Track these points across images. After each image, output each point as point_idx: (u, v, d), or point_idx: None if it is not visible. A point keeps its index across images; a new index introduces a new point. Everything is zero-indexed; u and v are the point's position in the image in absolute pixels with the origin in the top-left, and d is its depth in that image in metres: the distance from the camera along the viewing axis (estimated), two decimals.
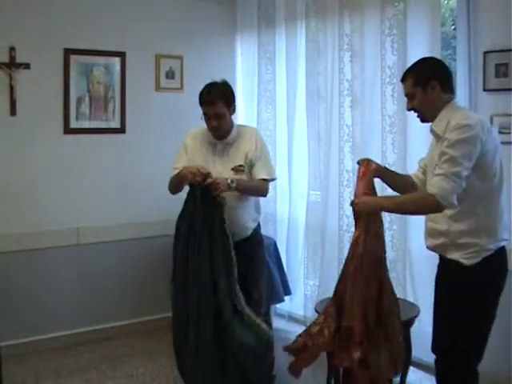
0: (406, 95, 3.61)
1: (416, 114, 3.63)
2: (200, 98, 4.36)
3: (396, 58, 4.96)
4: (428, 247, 3.66)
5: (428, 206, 3.35)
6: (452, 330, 3.49)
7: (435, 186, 3.29)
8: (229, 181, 4.19)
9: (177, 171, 4.36)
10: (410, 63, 4.48)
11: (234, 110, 4.45)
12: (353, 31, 5.35)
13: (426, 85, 3.48)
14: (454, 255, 3.46)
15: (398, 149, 5.00)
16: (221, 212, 4.12)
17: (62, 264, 5.75)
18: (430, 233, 3.61)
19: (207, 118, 4.33)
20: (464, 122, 3.30)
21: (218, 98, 4.30)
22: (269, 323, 4.66)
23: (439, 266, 3.67)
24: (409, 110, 3.64)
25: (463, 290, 3.43)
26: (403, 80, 3.62)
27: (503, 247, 3.48)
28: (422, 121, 3.63)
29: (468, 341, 3.46)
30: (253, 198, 4.50)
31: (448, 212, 3.41)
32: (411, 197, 3.57)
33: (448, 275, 3.57)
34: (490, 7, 4.55)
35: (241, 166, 4.34)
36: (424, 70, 3.55)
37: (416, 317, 4.31)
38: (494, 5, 4.54)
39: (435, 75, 3.50)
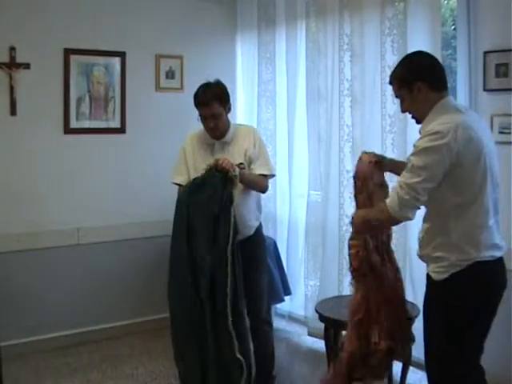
0: (396, 97, 3.48)
1: (411, 116, 3.47)
2: (195, 100, 4.37)
3: (396, 57, 4.95)
4: (417, 255, 3.51)
5: (382, 218, 3.34)
6: (429, 343, 3.41)
7: (390, 196, 3.28)
8: (235, 172, 4.17)
9: (176, 181, 4.43)
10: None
11: (229, 109, 4.46)
12: (353, 31, 5.35)
13: (412, 87, 3.30)
14: (428, 268, 3.37)
15: (397, 149, 5.00)
16: (231, 192, 4.10)
17: (62, 264, 5.75)
18: (419, 241, 3.48)
19: (204, 119, 4.34)
20: (435, 129, 3.12)
21: (212, 99, 4.31)
22: (270, 323, 4.67)
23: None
24: (403, 111, 3.50)
25: (432, 303, 3.37)
26: (390, 82, 3.48)
27: (481, 262, 3.20)
28: (418, 122, 3.43)
29: (441, 353, 3.33)
30: (255, 196, 4.50)
31: (425, 225, 3.34)
32: (371, 212, 3.54)
33: (426, 287, 3.47)
34: (490, 7, 4.55)
35: (241, 163, 4.34)
36: (408, 72, 3.36)
37: (416, 317, 4.30)
38: (494, 5, 4.53)
39: (420, 76, 3.29)
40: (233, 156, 4.36)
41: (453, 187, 3.16)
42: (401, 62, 3.51)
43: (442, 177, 3.13)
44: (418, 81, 3.29)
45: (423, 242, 3.38)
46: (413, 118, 3.45)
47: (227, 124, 4.43)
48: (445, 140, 3.07)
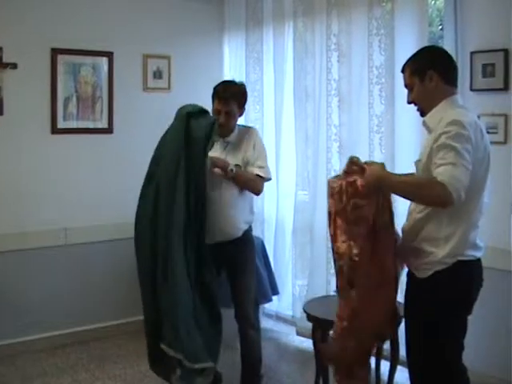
0: (406, 86, 3.43)
1: (416, 108, 3.42)
2: (214, 93, 4.41)
3: (383, 58, 4.98)
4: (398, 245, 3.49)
5: (435, 196, 3.01)
6: (411, 340, 3.44)
7: (445, 174, 2.96)
8: (231, 167, 4.27)
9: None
10: (397, 63, 4.50)
11: (242, 113, 4.53)
12: (340, 31, 5.36)
13: (424, 75, 3.28)
14: (411, 265, 3.38)
15: (385, 148, 5.02)
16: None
17: (49, 264, 5.73)
18: (403, 231, 3.46)
19: (216, 113, 4.37)
20: (460, 119, 3.08)
21: (232, 97, 4.36)
22: (257, 328, 4.66)
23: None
24: (409, 103, 3.43)
25: (414, 301, 3.39)
26: (403, 70, 3.44)
27: (463, 262, 3.21)
28: (422, 114, 3.39)
29: (422, 351, 3.33)
30: (248, 199, 4.52)
31: (417, 215, 3.29)
32: (418, 180, 3.25)
33: (408, 285, 3.48)
34: (477, 8, 4.57)
35: (237, 165, 4.35)
36: (422, 60, 3.36)
37: (404, 316, 4.30)
38: (481, 5, 4.56)
39: (433, 65, 3.29)
40: (232, 157, 4.38)
41: None
42: (417, 51, 3.51)
43: None
44: (431, 69, 3.28)
45: (410, 232, 3.35)
46: (418, 110, 3.41)
47: (235, 124, 4.48)
48: (469, 132, 3.07)
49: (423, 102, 3.35)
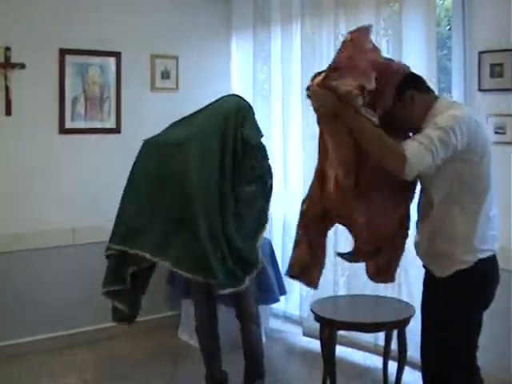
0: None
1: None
2: None
3: (391, 58, 4.96)
4: (418, 255, 3.47)
5: (390, 161, 3.06)
6: (427, 341, 3.40)
7: (412, 151, 3.01)
8: None
9: None
10: (405, 63, 4.49)
11: None
12: (348, 31, 5.34)
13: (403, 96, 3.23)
14: (430, 266, 3.35)
15: None
16: None
17: (57, 264, 5.74)
18: (417, 244, 3.44)
19: None
20: (454, 113, 3.09)
21: None
22: (258, 323, 4.73)
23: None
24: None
25: (434, 301, 3.36)
26: None
27: (483, 260, 3.20)
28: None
29: (441, 352, 3.30)
30: None
31: (426, 224, 3.28)
32: (388, 142, 3.11)
33: (426, 286, 3.45)
34: (485, 7, 4.56)
35: None
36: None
37: (412, 316, 4.31)
38: (488, 5, 4.55)
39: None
40: None
41: (465, 184, 3.13)
42: None
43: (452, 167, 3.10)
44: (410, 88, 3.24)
45: (425, 241, 3.32)
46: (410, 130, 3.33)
47: None
48: (466, 122, 3.06)
49: (411, 119, 3.29)
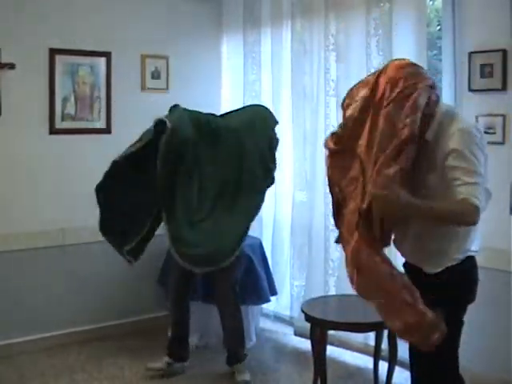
0: None
1: None
2: None
3: (381, 58, 4.97)
4: (408, 263, 3.40)
5: (466, 218, 2.91)
6: None
7: (460, 189, 2.88)
8: None
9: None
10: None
11: None
12: (338, 31, 5.37)
13: None
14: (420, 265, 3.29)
15: None
16: None
17: (46, 265, 5.72)
18: (407, 249, 3.38)
19: None
20: (467, 129, 3.01)
21: None
22: (235, 298, 5.08)
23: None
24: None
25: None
26: None
27: (470, 257, 3.19)
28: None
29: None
30: None
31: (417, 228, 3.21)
32: (445, 208, 2.98)
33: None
34: (475, 8, 4.58)
35: None
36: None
37: None
38: (479, 6, 4.56)
39: None
40: None
41: None
42: None
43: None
44: None
45: (415, 243, 3.27)
46: None
47: None
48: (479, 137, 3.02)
49: None
